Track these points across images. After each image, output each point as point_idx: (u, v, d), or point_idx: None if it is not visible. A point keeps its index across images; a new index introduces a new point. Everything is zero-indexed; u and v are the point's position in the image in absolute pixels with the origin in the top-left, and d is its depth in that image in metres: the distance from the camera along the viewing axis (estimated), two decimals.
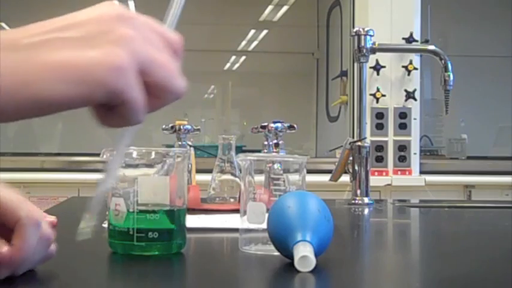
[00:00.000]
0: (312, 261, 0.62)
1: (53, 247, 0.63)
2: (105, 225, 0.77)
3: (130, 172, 0.73)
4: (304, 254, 0.62)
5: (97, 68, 0.46)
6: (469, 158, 3.00)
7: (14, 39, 0.46)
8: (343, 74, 3.16)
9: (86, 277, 0.65)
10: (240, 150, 2.64)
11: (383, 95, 2.61)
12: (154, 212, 0.73)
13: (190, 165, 1.44)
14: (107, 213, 0.74)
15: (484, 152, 3.29)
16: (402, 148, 2.64)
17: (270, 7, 3.96)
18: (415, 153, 2.66)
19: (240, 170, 0.88)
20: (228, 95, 4.15)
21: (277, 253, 0.69)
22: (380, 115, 2.63)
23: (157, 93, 0.50)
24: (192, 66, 4.02)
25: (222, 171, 1.41)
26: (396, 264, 0.80)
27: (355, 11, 2.75)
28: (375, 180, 2.09)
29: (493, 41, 3.60)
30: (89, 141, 2.89)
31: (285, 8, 3.98)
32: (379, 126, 2.63)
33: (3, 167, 2.29)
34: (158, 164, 0.75)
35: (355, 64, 1.71)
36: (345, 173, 1.60)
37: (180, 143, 1.52)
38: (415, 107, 2.66)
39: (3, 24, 3.22)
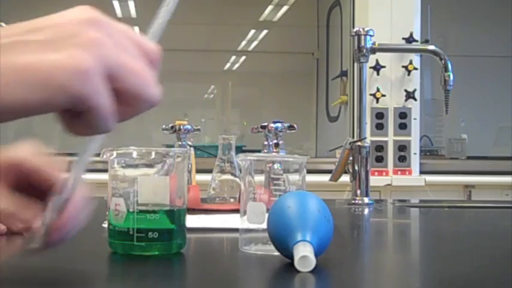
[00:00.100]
0: (312, 261, 0.62)
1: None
2: (105, 225, 0.77)
3: (130, 172, 0.73)
4: (304, 254, 0.62)
5: (59, 71, 0.44)
6: (469, 158, 3.00)
7: None
8: (343, 74, 3.16)
9: (85, 277, 0.65)
10: (240, 150, 2.64)
11: (383, 95, 2.62)
12: (154, 212, 0.73)
13: (190, 165, 1.44)
14: (107, 213, 0.74)
15: (484, 152, 3.29)
16: (402, 148, 2.64)
17: (270, 7, 3.97)
18: (415, 153, 2.66)
19: (240, 170, 0.88)
20: (228, 95, 4.16)
21: (277, 253, 0.69)
22: (380, 115, 2.63)
23: (129, 101, 0.48)
24: (192, 66, 4.02)
25: (222, 171, 1.41)
26: (396, 264, 0.80)
27: (355, 11, 2.75)
28: (374, 180, 2.09)
29: (493, 41, 3.60)
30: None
31: (285, 8, 3.99)
32: (379, 126, 2.63)
33: None
34: (158, 164, 0.74)
35: (355, 64, 1.71)
36: (345, 173, 1.60)
37: (180, 143, 1.52)
38: (415, 107, 2.66)
39: (3, 24, 3.21)
